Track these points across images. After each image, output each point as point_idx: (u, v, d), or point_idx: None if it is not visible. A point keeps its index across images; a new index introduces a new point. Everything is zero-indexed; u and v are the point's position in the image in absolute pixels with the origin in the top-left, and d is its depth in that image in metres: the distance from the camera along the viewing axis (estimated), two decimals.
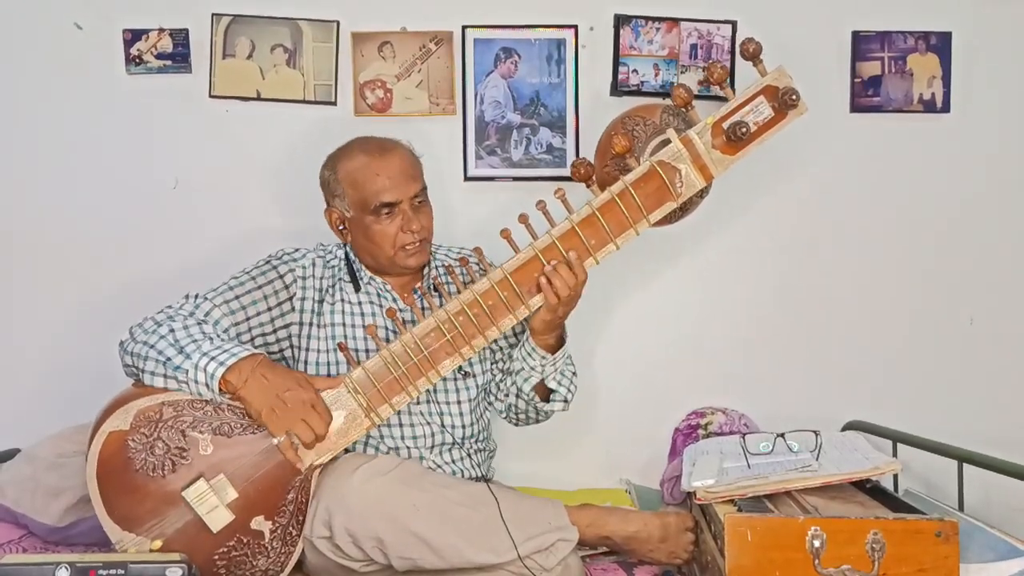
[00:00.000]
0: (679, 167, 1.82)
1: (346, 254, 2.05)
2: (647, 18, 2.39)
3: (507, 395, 2.04)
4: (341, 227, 2.01)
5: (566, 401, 2.01)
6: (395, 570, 1.76)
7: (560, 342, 1.96)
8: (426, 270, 2.05)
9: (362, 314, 1.99)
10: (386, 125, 2.23)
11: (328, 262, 2.03)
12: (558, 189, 1.82)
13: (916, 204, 2.44)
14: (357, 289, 2.01)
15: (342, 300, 2.00)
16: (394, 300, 2.01)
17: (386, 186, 1.93)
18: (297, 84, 2.38)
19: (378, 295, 2.02)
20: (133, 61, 2.36)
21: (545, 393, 2.00)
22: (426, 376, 1.82)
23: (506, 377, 2.04)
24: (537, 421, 2.08)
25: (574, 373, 2.02)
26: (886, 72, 2.42)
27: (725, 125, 1.80)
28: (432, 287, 2.00)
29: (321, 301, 1.99)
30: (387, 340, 1.90)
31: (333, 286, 2.01)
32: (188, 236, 2.37)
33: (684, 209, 2.02)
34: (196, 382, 1.73)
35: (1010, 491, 1.89)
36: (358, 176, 1.95)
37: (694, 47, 2.39)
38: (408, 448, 1.97)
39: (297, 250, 2.02)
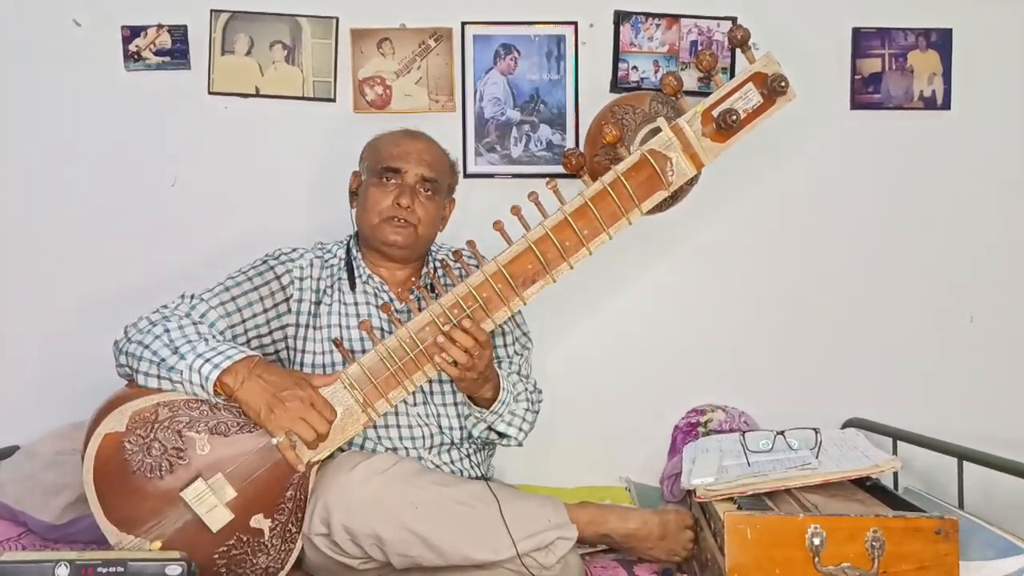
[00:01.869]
0: (670, 155, 1.81)
1: (347, 250, 2.05)
2: (647, 14, 2.39)
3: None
4: (354, 189, 2.06)
5: (519, 442, 2.01)
6: (394, 568, 1.76)
7: (497, 391, 1.93)
8: (424, 269, 2.05)
9: (358, 315, 1.99)
10: (385, 122, 2.22)
11: (327, 262, 2.03)
12: (550, 180, 1.82)
13: (916, 201, 2.44)
14: (353, 287, 2.00)
15: (339, 301, 1.99)
16: (391, 299, 2.01)
17: (399, 156, 1.98)
18: (296, 81, 2.37)
19: (375, 294, 2.01)
20: (132, 58, 2.35)
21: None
22: (422, 370, 1.81)
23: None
24: None
25: (527, 409, 2.00)
26: (886, 69, 2.42)
27: (715, 113, 1.80)
28: (430, 286, 1.99)
29: (318, 303, 1.98)
30: (382, 337, 1.89)
31: (331, 286, 2.00)
32: (187, 233, 2.37)
33: (675, 197, 2.02)
34: (191, 383, 1.72)
35: (1010, 489, 1.89)
36: (381, 143, 2.03)
37: (694, 43, 2.39)
38: (407, 449, 1.97)
39: (295, 250, 2.01)
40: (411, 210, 1.95)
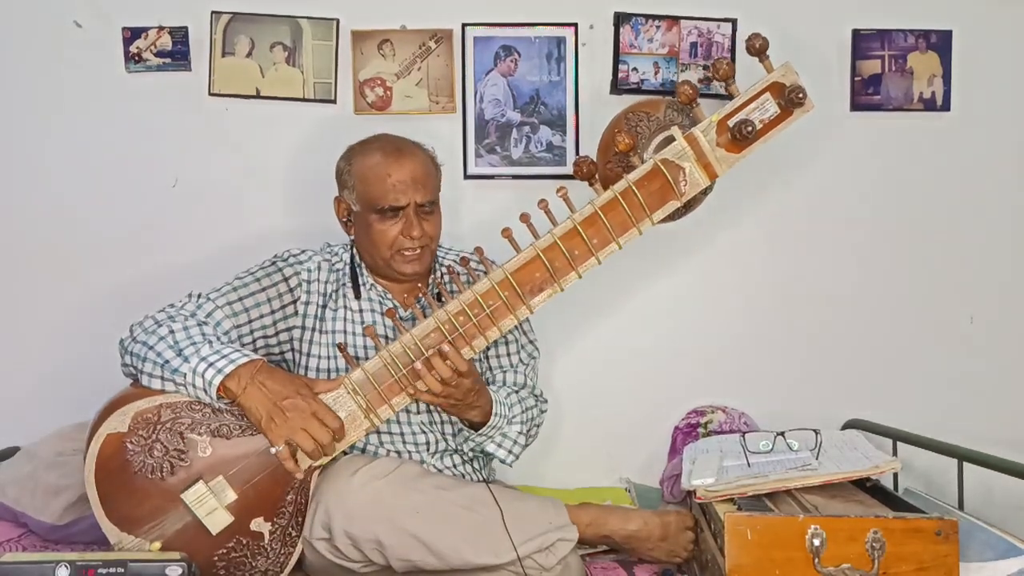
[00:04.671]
0: (683, 165, 1.79)
1: (352, 257, 2.03)
2: (647, 16, 2.39)
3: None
4: (347, 219, 2.01)
5: (509, 464, 1.98)
6: (394, 571, 1.76)
7: (486, 416, 1.90)
8: (432, 276, 2.03)
9: (363, 321, 1.97)
10: (386, 123, 2.23)
11: (333, 265, 2.01)
12: (560, 188, 1.79)
13: (916, 202, 2.44)
14: (357, 296, 1.99)
15: (344, 307, 1.98)
16: (395, 306, 1.99)
17: (395, 189, 1.91)
18: (297, 82, 2.37)
19: (380, 302, 2.00)
20: (132, 59, 2.35)
21: None
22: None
23: None
24: None
25: (520, 432, 1.96)
26: (886, 70, 2.42)
27: (730, 123, 1.77)
28: (437, 294, 1.95)
29: (324, 306, 1.97)
30: (386, 343, 1.87)
31: (337, 291, 1.99)
32: (188, 234, 2.37)
33: (688, 207, 2.00)
34: (194, 386, 1.72)
35: (1010, 490, 1.90)
36: (369, 173, 1.94)
37: (694, 45, 2.39)
38: (409, 453, 1.97)
39: (303, 252, 1.99)
40: (421, 236, 1.93)
